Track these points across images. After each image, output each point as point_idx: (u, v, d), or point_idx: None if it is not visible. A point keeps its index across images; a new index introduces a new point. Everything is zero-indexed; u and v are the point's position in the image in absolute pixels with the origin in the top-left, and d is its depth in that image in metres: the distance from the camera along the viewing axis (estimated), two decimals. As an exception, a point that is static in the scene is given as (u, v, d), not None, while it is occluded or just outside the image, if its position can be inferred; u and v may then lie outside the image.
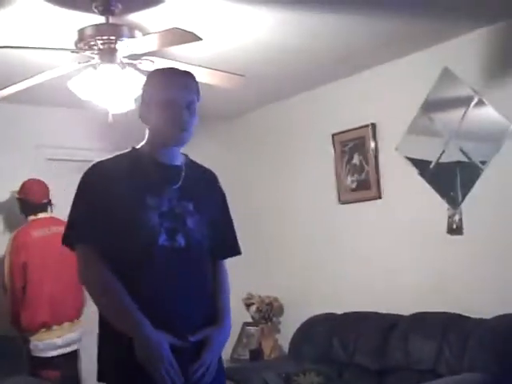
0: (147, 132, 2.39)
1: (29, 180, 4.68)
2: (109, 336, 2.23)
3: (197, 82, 2.40)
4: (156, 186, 2.27)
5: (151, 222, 2.20)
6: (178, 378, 2.15)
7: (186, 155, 2.45)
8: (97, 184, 2.26)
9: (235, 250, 2.54)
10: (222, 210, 2.51)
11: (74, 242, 2.26)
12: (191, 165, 2.44)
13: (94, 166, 2.32)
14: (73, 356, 4.63)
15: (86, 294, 2.48)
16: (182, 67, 3.52)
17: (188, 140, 2.35)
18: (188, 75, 2.40)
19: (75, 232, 2.26)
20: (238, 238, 2.55)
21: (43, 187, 4.65)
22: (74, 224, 2.27)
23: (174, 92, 2.30)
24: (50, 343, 4.46)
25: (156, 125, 2.33)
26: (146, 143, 2.38)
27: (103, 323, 2.25)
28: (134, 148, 2.39)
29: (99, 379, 2.28)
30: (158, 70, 2.50)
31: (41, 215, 4.60)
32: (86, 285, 2.29)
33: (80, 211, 2.26)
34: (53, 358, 4.47)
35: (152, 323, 2.15)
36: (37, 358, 4.45)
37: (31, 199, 4.60)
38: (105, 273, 2.18)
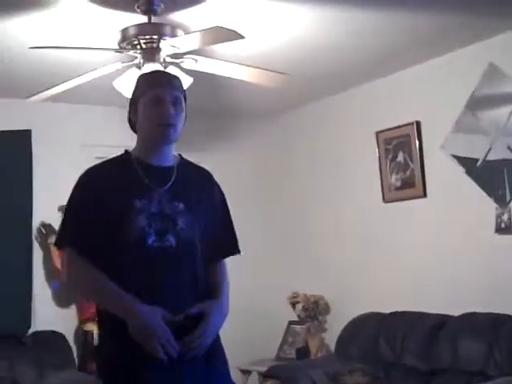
0: (137, 136, 2.42)
1: None
2: (106, 334, 2.32)
3: (181, 83, 2.43)
4: (145, 189, 2.30)
5: (140, 224, 2.25)
6: (173, 349, 2.17)
7: (179, 155, 2.47)
8: (88, 190, 2.33)
9: (233, 250, 2.52)
10: (219, 208, 2.48)
11: (64, 244, 2.36)
12: (184, 165, 2.45)
13: (86, 171, 2.39)
14: None
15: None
16: (226, 66, 3.56)
17: (175, 137, 2.36)
18: (172, 75, 2.46)
19: (65, 235, 2.35)
20: (237, 237, 2.52)
21: None
22: (65, 228, 2.36)
23: (158, 89, 2.32)
24: None
25: (143, 124, 2.35)
26: (136, 146, 2.42)
27: (101, 322, 2.34)
28: (126, 151, 2.42)
29: (99, 375, 2.36)
30: (143, 73, 2.57)
31: None
32: (76, 283, 2.40)
33: (71, 216, 2.35)
34: None
35: None
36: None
37: None
38: (91, 267, 2.26)
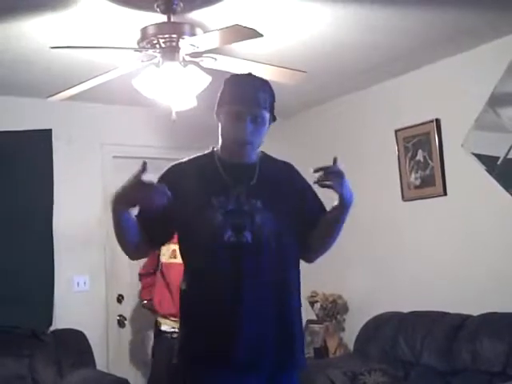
0: (220, 135, 2.48)
1: None
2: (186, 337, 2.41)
3: (270, 91, 2.43)
4: (224, 186, 2.35)
5: (215, 221, 2.29)
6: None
7: (261, 151, 2.52)
8: (168, 185, 2.32)
9: None
10: (306, 197, 2.56)
11: None
12: (266, 161, 2.51)
13: (170, 167, 2.46)
14: None
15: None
16: (245, 65, 3.56)
17: (251, 152, 2.43)
18: (259, 88, 2.42)
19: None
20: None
21: None
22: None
23: (239, 106, 2.36)
24: None
25: (223, 133, 2.44)
26: (220, 142, 2.47)
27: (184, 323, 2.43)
28: (213, 148, 2.49)
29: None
30: (233, 77, 2.51)
31: None
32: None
33: None
34: None
35: (217, 318, 2.29)
36: None
37: None
38: None
